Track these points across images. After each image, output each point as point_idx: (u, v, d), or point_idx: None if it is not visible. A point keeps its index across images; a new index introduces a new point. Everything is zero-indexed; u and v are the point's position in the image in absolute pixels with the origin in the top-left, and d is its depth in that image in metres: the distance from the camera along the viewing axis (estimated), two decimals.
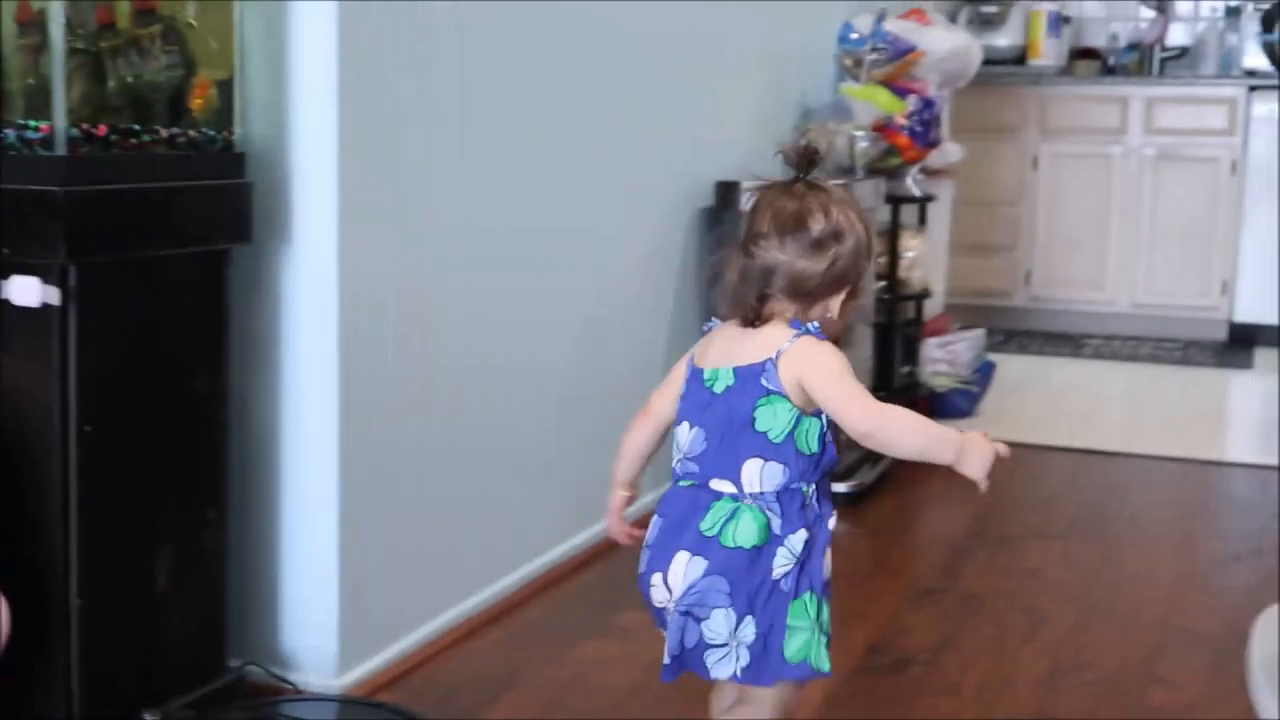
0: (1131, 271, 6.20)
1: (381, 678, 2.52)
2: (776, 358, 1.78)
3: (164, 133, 2.18)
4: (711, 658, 1.80)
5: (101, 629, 2.12)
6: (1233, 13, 6.41)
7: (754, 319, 1.82)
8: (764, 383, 1.79)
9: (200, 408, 2.27)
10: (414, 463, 2.60)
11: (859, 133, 4.04)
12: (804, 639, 1.80)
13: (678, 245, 3.54)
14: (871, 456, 3.78)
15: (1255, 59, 6.22)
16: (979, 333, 4.82)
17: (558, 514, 3.11)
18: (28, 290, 2.02)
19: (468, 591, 2.80)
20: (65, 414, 2.04)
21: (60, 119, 2.00)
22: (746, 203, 2.23)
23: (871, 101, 4.15)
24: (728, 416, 1.80)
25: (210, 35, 2.26)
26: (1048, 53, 6.42)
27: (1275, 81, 5.97)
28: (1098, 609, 2.92)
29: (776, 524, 1.79)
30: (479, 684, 2.53)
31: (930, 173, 4.50)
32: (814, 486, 1.83)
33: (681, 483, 1.85)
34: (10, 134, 2.04)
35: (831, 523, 1.85)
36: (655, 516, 1.86)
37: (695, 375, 1.86)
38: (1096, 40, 6.67)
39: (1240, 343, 6.03)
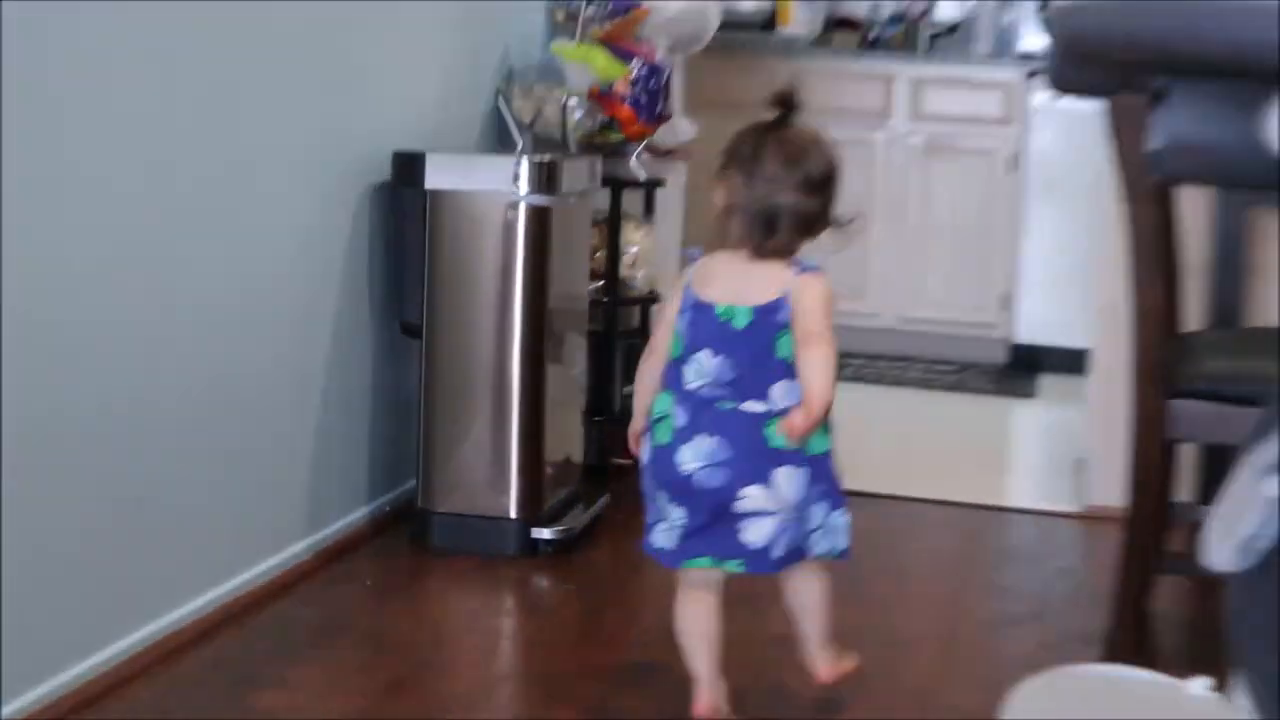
0: (897, 280, 5.60)
1: None
2: (788, 295, 2.20)
3: None
4: (811, 540, 2.31)
5: None
6: None
7: (760, 253, 2.22)
8: (779, 318, 2.21)
9: None
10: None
11: (573, 100, 3.61)
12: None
13: (342, 230, 3.10)
14: (583, 497, 3.44)
15: (1035, 40, 5.69)
16: None
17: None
18: None
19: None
20: None
21: None
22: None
23: (588, 64, 3.68)
24: (754, 350, 2.21)
25: None
26: (800, 20, 5.89)
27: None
28: (848, 686, 2.59)
29: None
30: None
31: (658, 152, 4.05)
32: None
33: (721, 404, 2.22)
34: None
35: None
36: (683, 415, 2.23)
37: (704, 308, 2.24)
38: (856, 10, 6.13)
39: (1022, 366, 5.49)
